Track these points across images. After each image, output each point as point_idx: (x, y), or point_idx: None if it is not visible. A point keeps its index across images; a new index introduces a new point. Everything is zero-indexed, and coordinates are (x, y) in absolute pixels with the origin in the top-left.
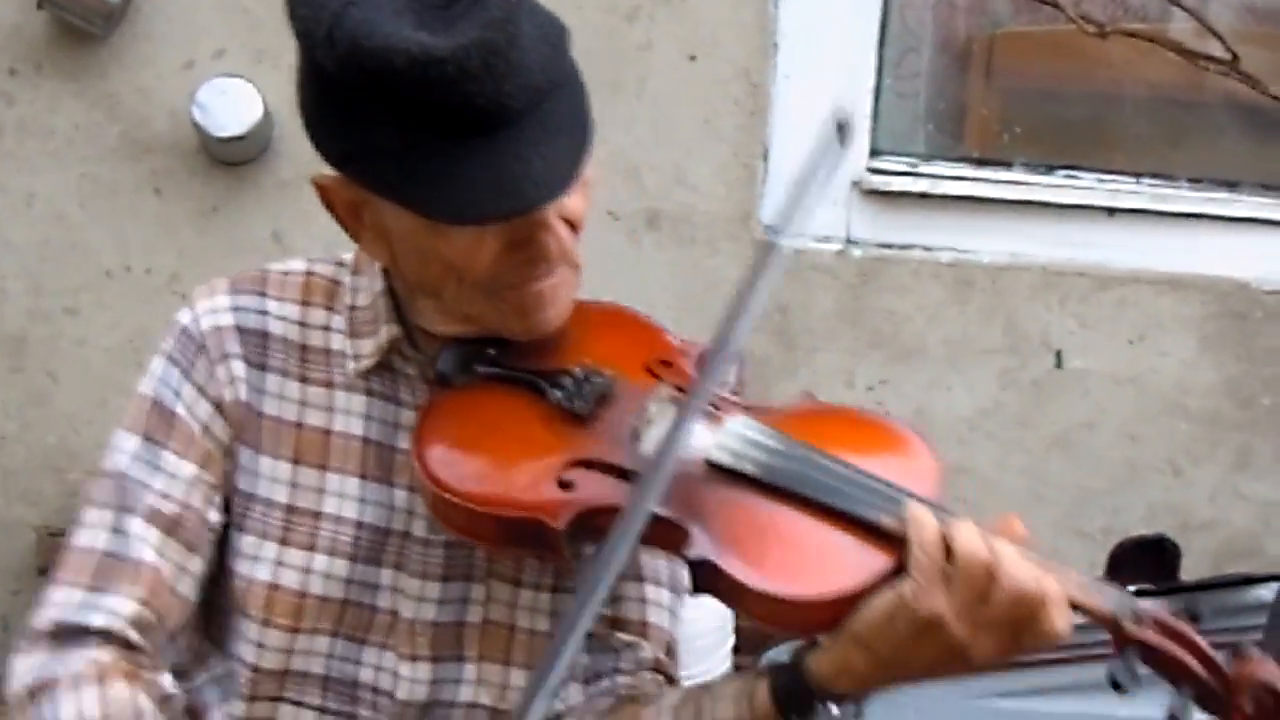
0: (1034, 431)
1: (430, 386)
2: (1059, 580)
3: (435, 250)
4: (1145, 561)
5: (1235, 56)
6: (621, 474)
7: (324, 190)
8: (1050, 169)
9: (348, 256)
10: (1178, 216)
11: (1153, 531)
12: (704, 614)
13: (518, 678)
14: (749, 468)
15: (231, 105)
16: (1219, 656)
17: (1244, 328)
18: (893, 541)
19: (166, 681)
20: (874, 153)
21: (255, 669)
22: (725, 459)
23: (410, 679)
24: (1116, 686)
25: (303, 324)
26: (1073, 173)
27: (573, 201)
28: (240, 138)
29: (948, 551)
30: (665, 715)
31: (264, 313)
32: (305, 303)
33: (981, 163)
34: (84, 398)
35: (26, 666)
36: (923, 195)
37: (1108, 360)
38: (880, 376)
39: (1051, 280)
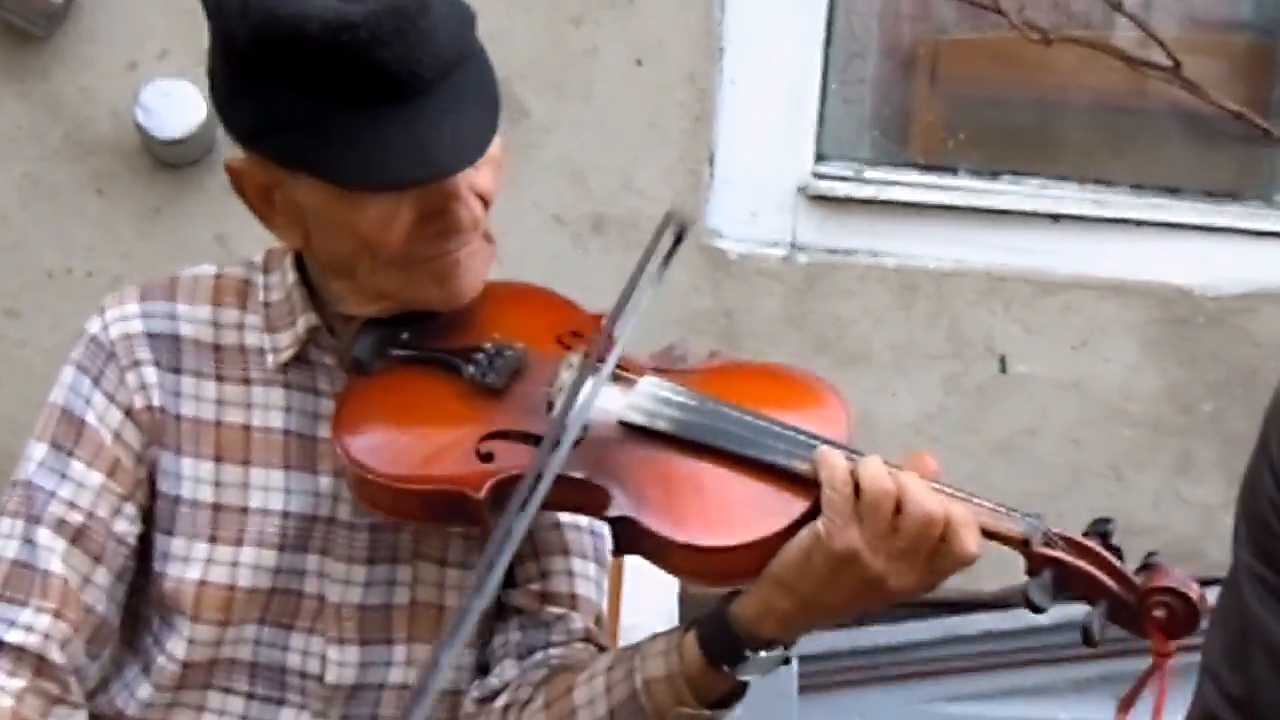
0: (978, 436)
1: (348, 375)
2: (970, 509)
3: (349, 224)
4: None
5: (1178, 63)
6: (538, 441)
7: (236, 174)
8: (994, 175)
9: (257, 258)
10: (1120, 223)
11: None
12: (649, 619)
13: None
14: (662, 425)
15: (175, 107)
16: (1129, 569)
17: (1186, 333)
18: (807, 485)
19: None
20: (819, 158)
21: (185, 664)
22: (638, 418)
23: (338, 662)
24: (1032, 606)
25: (215, 324)
26: (1017, 179)
27: (483, 177)
28: (183, 140)
29: (857, 488)
30: (598, 679)
31: (174, 317)
32: (217, 304)
33: (926, 169)
34: (24, 400)
35: None
36: (868, 201)
37: (1051, 365)
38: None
39: (995, 286)
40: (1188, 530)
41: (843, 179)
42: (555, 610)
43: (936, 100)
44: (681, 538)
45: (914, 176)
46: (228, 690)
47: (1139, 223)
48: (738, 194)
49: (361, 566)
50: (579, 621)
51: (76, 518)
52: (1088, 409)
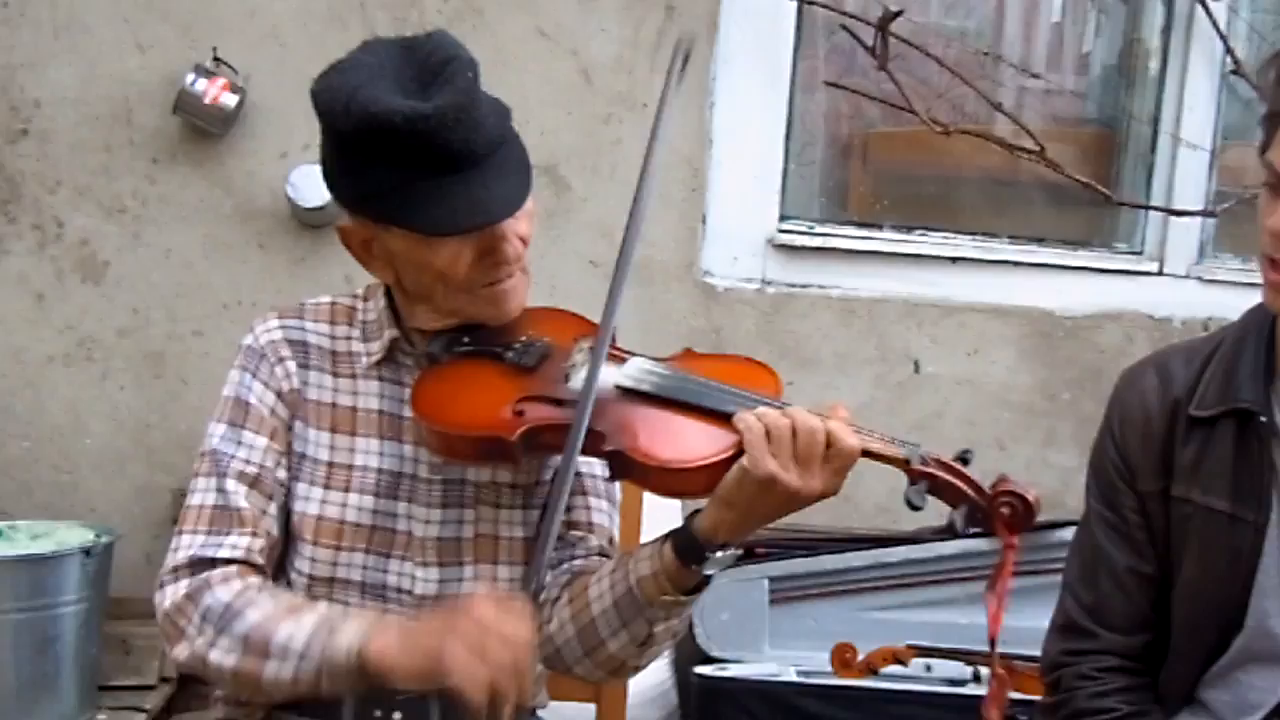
0: (899, 419)
1: (423, 370)
2: (864, 436)
3: (428, 262)
4: None
5: (1042, 148)
6: (557, 403)
7: (344, 233)
8: (910, 229)
9: (360, 290)
10: (1002, 263)
11: None
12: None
13: (504, 572)
14: (645, 387)
15: (315, 184)
16: (982, 482)
17: (1049, 344)
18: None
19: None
20: (782, 218)
21: (310, 577)
22: (629, 383)
23: (424, 580)
24: (911, 505)
25: (331, 336)
26: (926, 232)
27: (522, 224)
28: (320, 208)
29: (766, 430)
30: (604, 580)
31: (303, 330)
32: (332, 322)
33: (860, 224)
34: (207, 396)
35: (173, 590)
36: (818, 249)
37: (952, 367)
38: (788, 379)
39: (911, 310)
40: (1053, 487)
41: (800, 232)
42: (576, 533)
43: (868, 175)
44: (654, 461)
45: (851, 230)
46: (344, 601)
47: (1015, 263)
48: (724, 244)
49: (437, 509)
50: (595, 540)
51: (252, 469)
52: (978, 399)
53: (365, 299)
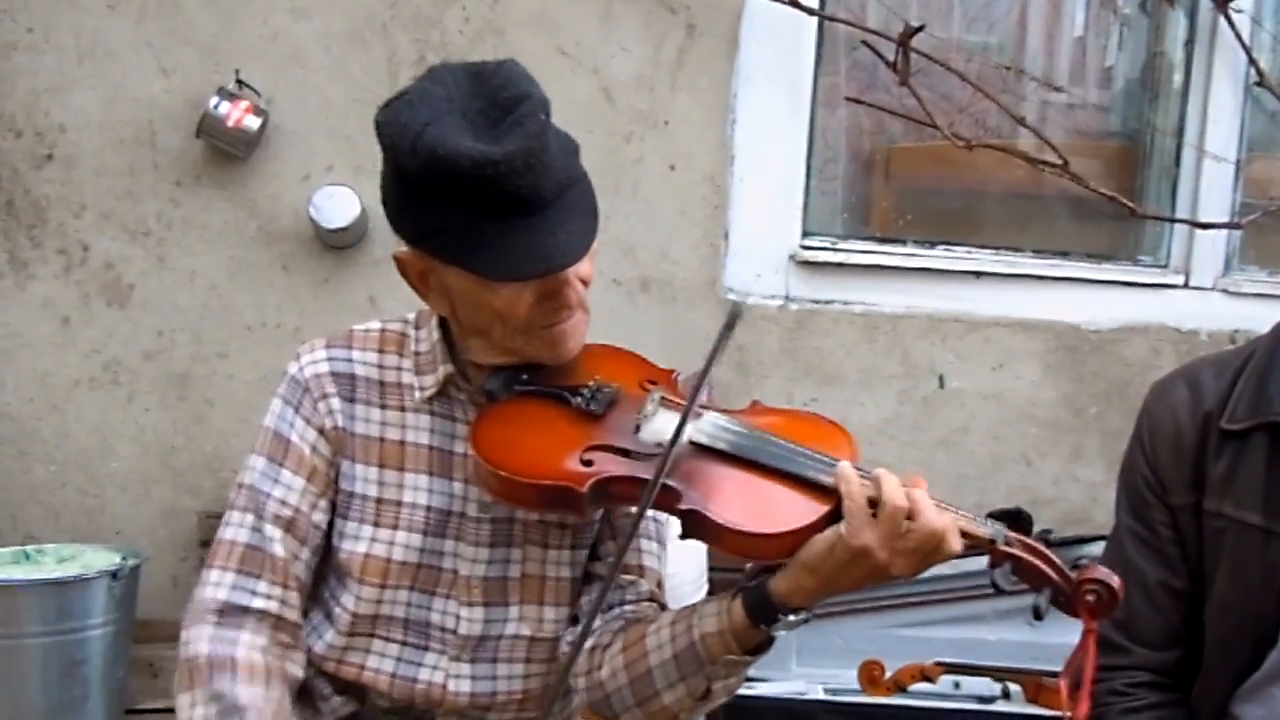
0: (924, 434)
1: (477, 407)
2: (954, 516)
3: (487, 302)
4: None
5: (1066, 161)
6: (627, 454)
7: (401, 262)
8: (933, 244)
9: (411, 315)
10: (1026, 278)
11: (1012, 505)
12: (685, 569)
13: (549, 613)
14: (722, 445)
15: (337, 206)
16: (1066, 565)
17: (1075, 358)
18: (827, 493)
19: (299, 663)
20: (805, 234)
21: (354, 615)
22: (704, 440)
23: (469, 619)
24: (996, 589)
25: (380, 366)
26: (949, 247)
27: (585, 266)
28: (344, 229)
29: (871, 500)
30: (663, 630)
31: (350, 361)
32: (381, 350)
33: (883, 240)
34: (232, 418)
35: (200, 635)
36: (840, 264)
37: (977, 382)
38: (812, 395)
39: (935, 324)
40: (1080, 502)
41: (822, 249)
42: (628, 577)
43: (890, 191)
44: (732, 525)
45: (874, 246)
46: (387, 638)
47: (1040, 277)
48: (746, 261)
49: (485, 549)
50: (645, 585)
51: (288, 512)
52: (1004, 414)
53: (418, 326)
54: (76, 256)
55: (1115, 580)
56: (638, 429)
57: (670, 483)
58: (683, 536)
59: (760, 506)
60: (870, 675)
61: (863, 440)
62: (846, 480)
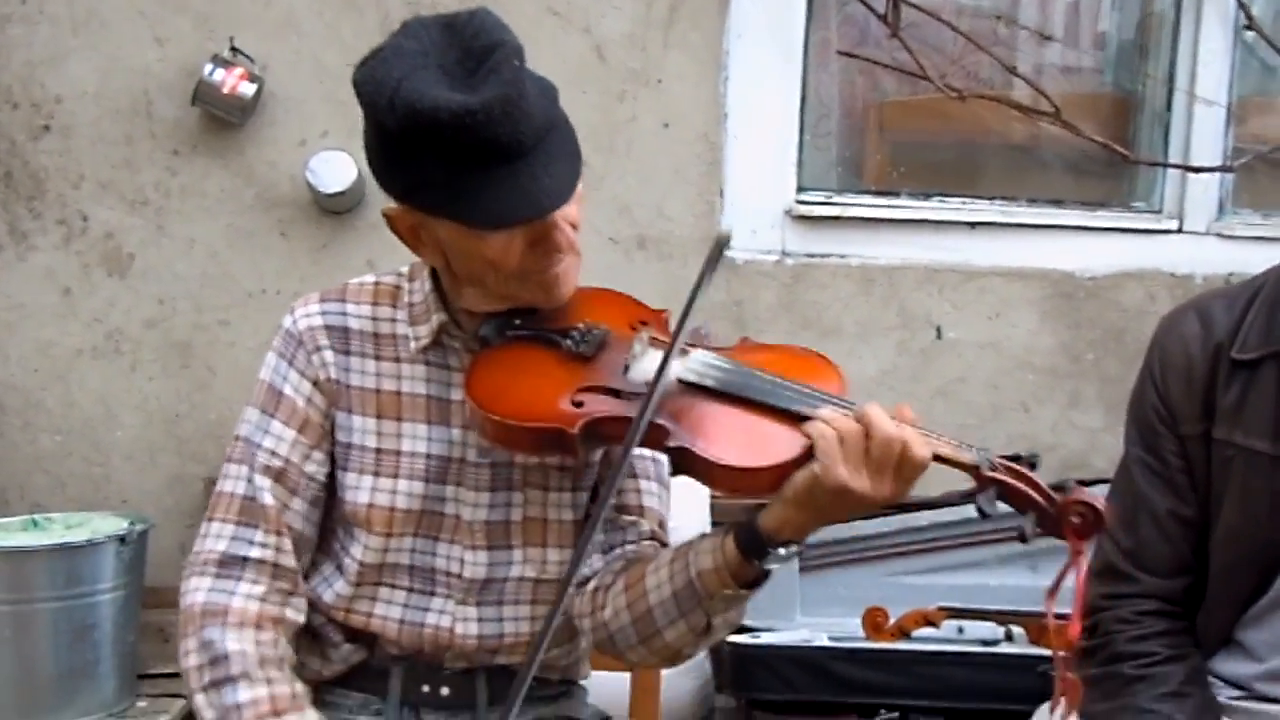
0: (922, 385)
1: (471, 355)
2: (935, 440)
3: (478, 251)
4: None
5: (1058, 109)
6: (616, 394)
7: (391, 218)
8: (927, 196)
9: (405, 269)
10: (1021, 227)
11: (1012, 452)
12: (684, 521)
13: (553, 555)
14: (709, 382)
15: (334, 170)
16: (1050, 488)
17: (1071, 305)
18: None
19: (299, 608)
20: (799, 189)
21: (361, 564)
22: (692, 377)
23: (473, 563)
24: (981, 513)
25: (374, 319)
26: (944, 198)
27: (572, 209)
28: (342, 193)
29: (840, 437)
30: (663, 569)
31: (344, 314)
32: (375, 303)
33: (877, 193)
34: (235, 385)
35: (198, 586)
36: (835, 218)
37: (974, 332)
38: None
39: (931, 275)
40: (1079, 447)
41: (817, 203)
42: (628, 518)
43: (883, 145)
44: (720, 460)
45: (869, 199)
46: (393, 585)
47: (1034, 226)
48: (742, 217)
49: (486, 493)
50: (647, 525)
51: (277, 463)
52: (1002, 362)
53: (411, 279)
54: (76, 227)
55: (1100, 502)
56: (627, 369)
57: (659, 420)
58: (673, 473)
59: (746, 441)
60: (874, 622)
61: (862, 392)
62: (814, 425)
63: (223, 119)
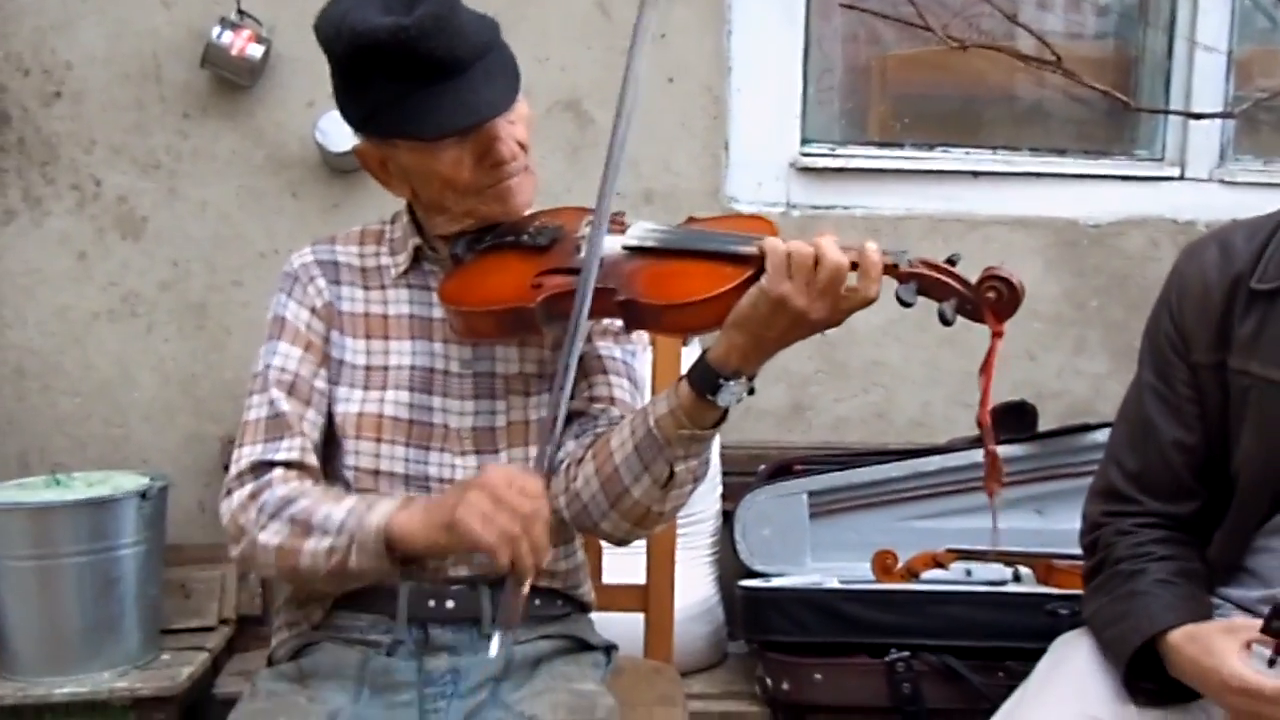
0: (929, 334)
1: (446, 271)
2: (850, 252)
3: (435, 170)
4: (1012, 419)
5: (1059, 58)
6: (570, 272)
7: (361, 155)
8: (930, 147)
9: (387, 218)
10: (1024, 175)
11: (1016, 399)
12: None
13: (535, 452)
14: (651, 243)
15: (343, 130)
16: (966, 276)
17: (1075, 253)
18: (750, 261)
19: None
20: (804, 141)
21: (356, 470)
22: (634, 242)
23: (464, 468)
24: (902, 303)
25: (360, 254)
26: (947, 149)
27: (517, 128)
28: (350, 152)
29: (789, 257)
30: (624, 428)
31: (333, 252)
32: (361, 244)
33: (881, 145)
34: (250, 344)
35: (239, 494)
36: (840, 170)
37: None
38: None
39: (935, 225)
40: (1084, 394)
41: (821, 155)
42: (599, 407)
43: (886, 97)
44: (663, 302)
45: (872, 151)
46: (390, 495)
47: (1037, 175)
48: (747, 170)
49: (470, 401)
50: (617, 412)
51: (288, 376)
52: None
53: (391, 223)
54: (89, 192)
55: (1015, 276)
56: (578, 249)
57: (606, 285)
58: (625, 330)
59: (689, 283)
60: (884, 564)
61: (868, 341)
62: (770, 241)
63: (231, 81)
